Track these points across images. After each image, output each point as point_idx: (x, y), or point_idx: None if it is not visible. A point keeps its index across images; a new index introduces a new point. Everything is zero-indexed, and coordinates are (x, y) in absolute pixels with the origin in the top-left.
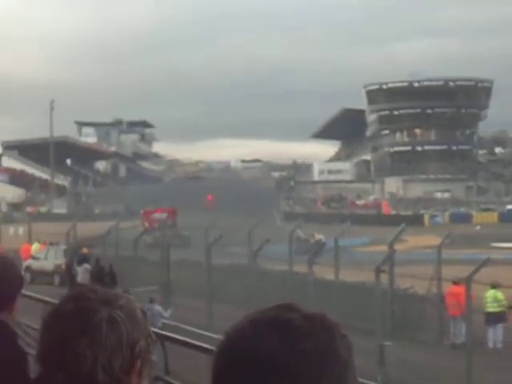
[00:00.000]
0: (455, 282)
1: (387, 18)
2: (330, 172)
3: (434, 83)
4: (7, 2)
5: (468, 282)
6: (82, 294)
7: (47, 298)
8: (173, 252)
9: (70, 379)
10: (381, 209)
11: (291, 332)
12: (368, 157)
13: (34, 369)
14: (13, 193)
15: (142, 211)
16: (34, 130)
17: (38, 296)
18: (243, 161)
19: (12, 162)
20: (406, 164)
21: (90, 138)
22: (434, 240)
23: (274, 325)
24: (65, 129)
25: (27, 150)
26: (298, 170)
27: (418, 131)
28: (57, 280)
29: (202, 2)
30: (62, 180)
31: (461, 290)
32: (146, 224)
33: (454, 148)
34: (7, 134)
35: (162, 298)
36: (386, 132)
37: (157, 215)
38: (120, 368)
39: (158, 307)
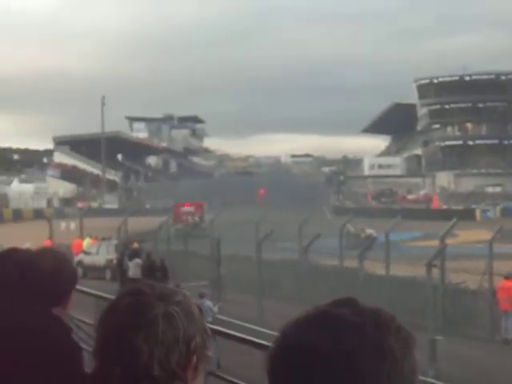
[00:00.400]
0: (507, 277)
1: (438, 11)
2: (380, 167)
3: (485, 77)
4: (57, 1)
5: None
6: (138, 289)
7: (99, 293)
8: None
9: (127, 374)
10: (431, 203)
11: (338, 328)
12: (419, 151)
13: (88, 363)
14: (64, 188)
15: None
16: (86, 125)
17: (90, 291)
18: (293, 155)
19: (64, 158)
20: (457, 158)
21: (141, 133)
22: (485, 234)
23: (323, 320)
24: (116, 124)
25: (79, 145)
26: (349, 164)
27: (469, 125)
28: (108, 275)
29: None
30: (113, 175)
31: None
32: (176, 217)
33: (506, 142)
34: (59, 130)
35: (212, 293)
36: (437, 126)
37: (185, 209)
38: (177, 363)
39: (208, 302)
